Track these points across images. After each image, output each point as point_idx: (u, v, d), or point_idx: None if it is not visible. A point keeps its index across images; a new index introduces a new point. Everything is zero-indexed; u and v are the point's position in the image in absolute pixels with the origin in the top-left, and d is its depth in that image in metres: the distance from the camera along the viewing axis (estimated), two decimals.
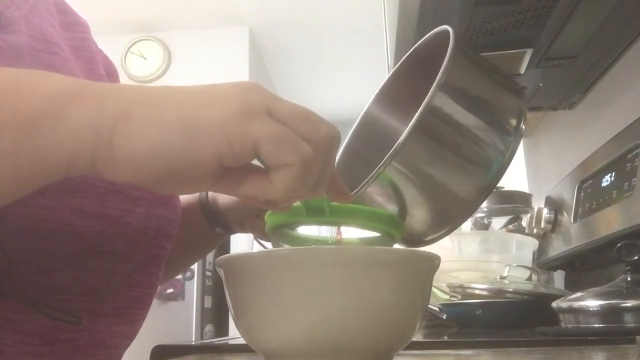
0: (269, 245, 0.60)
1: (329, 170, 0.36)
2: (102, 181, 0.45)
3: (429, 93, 0.44)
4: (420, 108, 0.43)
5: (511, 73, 0.96)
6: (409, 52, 0.58)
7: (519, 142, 0.49)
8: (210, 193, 0.63)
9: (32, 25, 0.47)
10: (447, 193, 0.48)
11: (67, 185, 0.43)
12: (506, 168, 0.48)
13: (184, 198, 0.62)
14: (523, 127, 0.49)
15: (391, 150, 0.43)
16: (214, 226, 0.63)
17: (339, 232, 0.47)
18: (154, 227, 0.51)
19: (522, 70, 0.94)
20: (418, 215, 0.49)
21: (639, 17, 0.81)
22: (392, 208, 0.47)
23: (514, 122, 0.50)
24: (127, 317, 0.51)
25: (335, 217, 0.43)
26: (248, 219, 0.61)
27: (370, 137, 0.60)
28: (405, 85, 0.59)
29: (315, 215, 0.42)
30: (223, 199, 0.62)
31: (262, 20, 2.98)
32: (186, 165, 0.31)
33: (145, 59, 2.96)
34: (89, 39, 0.56)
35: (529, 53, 0.88)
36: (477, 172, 0.47)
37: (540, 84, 1.03)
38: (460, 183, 0.48)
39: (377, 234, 0.46)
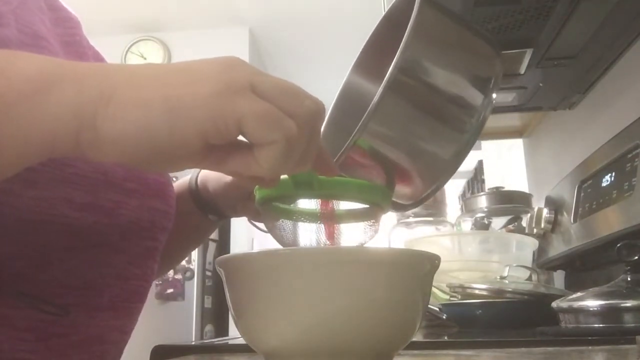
0: (262, 226, 0.60)
1: (315, 145, 0.36)
2: (93, 172, 0.45)
3: (397, 53, 0.43)
4: (390, 69, 0.43)
5: (511, 73, 0.96)
6: (383, 15, 0.57)
7: (493, 100, 0.48)
8: (199, 180, 0.63)
9: (21, 20, 0.47)
10: (425, 153, 0.47)
11: (58, 175, 0.42)
12: (481, 127, 0.47)
13: (177, 188, 0.62)
14: (498, 84, 0.48)
15: (364, 116, 0.43)
16: (206, 213, 0.63)
17: (327, 204, 0.47)
18: (147, 220, 0.51)
19: (522, 70, 0.94)
20: (402, 177, 0.48)
21: (639, 17, 0.81)
22: (378, 175, 0.47)
23: (488, 79, 0.48)
24: (123, 311, 0.51)
25: (323, 190, 0.43)
26: (240, 202, 0.61)
27: (352, 107, 0.59)
28: (382, 50, 0.57)
29: (303, 188, 0.42)
30: (213, 185, 0.61)
31: (262, 20, 2.98)
32: (171, 145, 0.31)
33: (145, 59, 2.95)
34: (80, 34, 0.56)
35: (529, 53, 0.88)
36: (453, 131, 0.47)
37: (540, 84, 1.03)
38: (437, 143, 0.47)
39: (366, 206, 0.46)
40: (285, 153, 0.33)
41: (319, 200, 0.47)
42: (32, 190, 0.41)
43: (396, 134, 0.46)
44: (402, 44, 0.43)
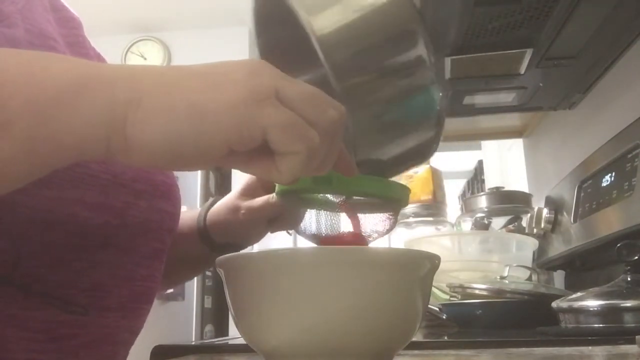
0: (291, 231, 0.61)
1: (335, 152, 0.36)
2: (104, 173, 0.45)
3: (329, 72, 0.41)
4: (336, 91, 0.41)
5: (511, 73, 0.96)
6: (252, 18, 0.53)
7: (431, 43, 0.45)
8: (209, 223, 0.61)
9: (28, 20, 0.47)
10: (409, 134, 0.47)
11: (71, 176, 0.43)
12: (440, 77, 0.46)
13: (183, 225, 0.62)
14: (426, 26, 0.45)
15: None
16: (220, 252, 0.63)
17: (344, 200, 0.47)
18: (155, 221, 0.51)
19: (522, 70, 0.94)
20: (395, 160, 0.48)
21: (639, 17, 0.81)
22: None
23: (419, 43, 0.45)
24: (133, 312, 0.51)
25: (342, 187, 0.43)
26: (261, 234, 0.61)
27: None
28: (277, 43, 0.54)
29: (322, 184, 0.43)
30: (228, 229, 0.60)
31: None
32: (196, 151, 0.32)
33: (145, 59, 2.95)
34: (82, 35, 0.56)
35: (529, 53, 0.88)
36: (419, 97, 0.46)
37: (540, 84, 1.03)
38: (412, 126, 0.46)
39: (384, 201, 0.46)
40: (306, 162, 0.33)
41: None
42: (47, 190, 0.41)
43: (376, 135, 0.45)
44: (321, 59, 0.41)
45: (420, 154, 0.49)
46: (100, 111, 0.31)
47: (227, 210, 0.61)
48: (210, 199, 0.64)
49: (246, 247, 0.63)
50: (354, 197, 0.47)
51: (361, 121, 0.43)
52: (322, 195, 0.48)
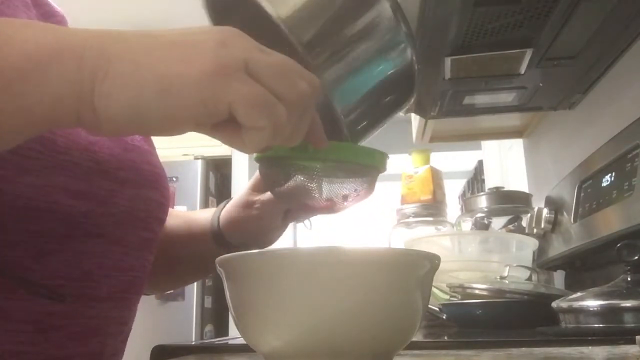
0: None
1: (305, 123, 0.36)
2: (86, 160, 0.45)
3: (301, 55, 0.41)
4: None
5: (511, 73, 0.96)
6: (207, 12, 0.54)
7: (399, 11, 0.45)
8: (223, 225, 0.61)
9: (8, 16, 0.46)
10: (386, 94, 0.48)
11: (51, 162, 0.43)
12: (411, 40, 0.46)
13: (195, 227, 0.62)
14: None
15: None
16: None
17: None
18: (142, 210, 0.51)
19: (522, 70, 0.94)
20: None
21: (639, 17, 0.81)
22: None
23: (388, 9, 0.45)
24: (122, 302, 0.51)
25: (318, 154, 0.43)
26: (279, 234, 0.61)
27: None
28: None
29: (299, 151, 0.43)
30: (247, 234, 0.60)
31: None
32: (163, 123, 0.32)
33: None
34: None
35: (529, 53, 0.88)
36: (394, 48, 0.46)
37: (540, 84, 1.03)
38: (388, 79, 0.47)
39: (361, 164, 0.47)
40: (271, 137, 0.33)
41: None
42: (27, 176, 0.41)
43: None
44: (291, 41, 0.41)
45: (397, 107, 0.50)
46: (68, 83, 0.31)
47: (240, 207, 0.60)
48: (224, 201, 0.64)
49: (264, 246, 0.62)
50: (331, 164, 0.47)
51: (338, 91, 0.43)
52: (300, 161, 0.48)
